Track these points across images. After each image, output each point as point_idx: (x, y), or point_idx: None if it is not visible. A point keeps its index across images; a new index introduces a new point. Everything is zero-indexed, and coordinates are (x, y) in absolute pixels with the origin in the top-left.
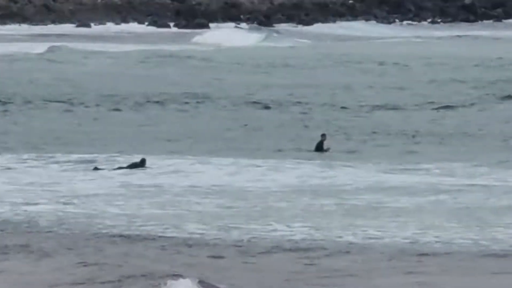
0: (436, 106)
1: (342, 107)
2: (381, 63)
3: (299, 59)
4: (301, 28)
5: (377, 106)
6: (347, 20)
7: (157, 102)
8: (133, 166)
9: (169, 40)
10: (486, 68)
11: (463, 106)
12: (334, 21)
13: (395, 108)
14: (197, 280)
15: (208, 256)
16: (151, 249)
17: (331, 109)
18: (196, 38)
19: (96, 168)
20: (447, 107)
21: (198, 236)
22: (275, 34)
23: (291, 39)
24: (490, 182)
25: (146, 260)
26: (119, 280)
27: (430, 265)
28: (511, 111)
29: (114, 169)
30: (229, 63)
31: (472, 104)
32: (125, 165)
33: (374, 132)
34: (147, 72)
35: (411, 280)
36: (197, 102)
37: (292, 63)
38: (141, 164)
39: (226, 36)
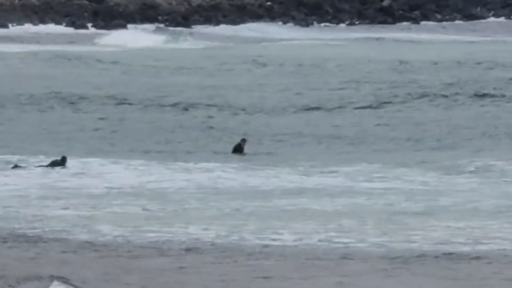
0: (350, 108)
1: (257, 109)
2: (291, 65)
3: (206, 60)
4: (212, 29)
5: (293, 107)
6: (265, 21)
7: (67, 103)
8: (54, 164)
9: (76, 40)
10: (399, 70)
11: (377, 107)
12: (249, 22)
13: (310, 109)
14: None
15: (124, 258)
16: (59, 251)
17: (246, 111)
18: (101, 40)
19: (16, 166)
20: (361, 108)
21: (112, 237)
22: (188, 36)
23: (199, 40)
24: (407, 185)
25: (49, 262)
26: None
27: (348, 266)
28: (423, 112)
29: (36, 167)
30: (134, 65)
31: (386, 105)
32: (45, 164)
33: (290, 134)
34: (52, 72)
35: (331, 280)
36: (107, 104)
37: (199, 64)
38: (62, 162)
39: (130, 37)
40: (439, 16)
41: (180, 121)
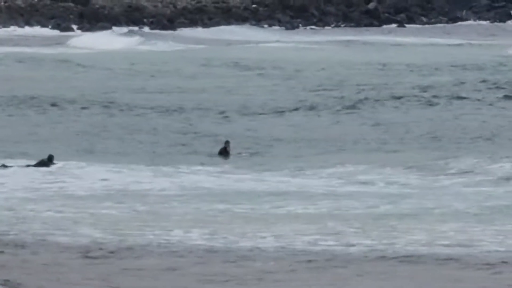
0: (333, 110)
1: (239, 112)
2: (273, 67)
3: (184, 63)
4: (189, 32)
5: (275, 110)
6: (250, 24)
7: (48, 105)
8: (41, 163)
9: (61, 42)
10: (381, 73)
11: (359, 109)
12: (232, 25)
13: (292, 111)
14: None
15: (109, 259)
16: (41, 254)
17: (228, 114)
18: (70, 41)
19: (3, 166)
20: (343, 110)
21: (95, 239)
22: (169, 40)
23: (175, 43)
24: (391, 187)
25: (26, 266)
26: None
27: (336, 269)
28: (405, 114)
29: (24, 166)
30: (112, 67)
31: (368, 107)
32: (32, 163)
33: (273, 136)
34: (30, 75)
35: (323, 282)
36: (87, 106)
37: (177, 66)
38: (49, 161)
39: (100, 39)
40: (424, 19)
41: (161, 124)
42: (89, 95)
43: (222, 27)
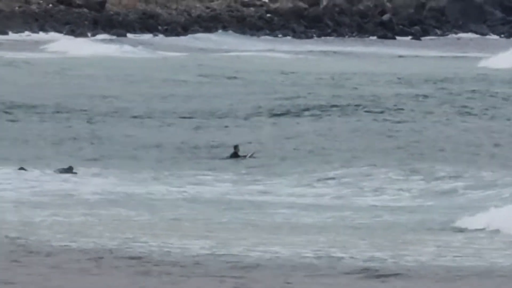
0: (325, 115)
1: (236, 118)
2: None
3: (166, 71)
4: (171, 40)
5: (270, 115)
6: (265, 34)
7: (34, 112)
8: (61, 171)
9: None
10: (370, 83)
11: (350, 115)
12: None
13: (286, 116)
14: None
15: (113, 268)
16: (39, 259)
17: (224, 121)
18: (47, 46)
19: (21, 169)
20: (330, 115)
21: (92, 245)
22: (139, 46)
23: (155, 51)
24: (396, 197)
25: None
26: None
27: (347, 280)
28: (396, 123)
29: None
30: (94, 74)
31: (356, 115)
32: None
33: (274, 143)
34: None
35: None
36: (80, 113)
37: (164, 75)
38: (69, 170)
39: (77, 46)
40: (439, 32)
41: (166, 131)
42: (78, 102)
43: (198, 35)
